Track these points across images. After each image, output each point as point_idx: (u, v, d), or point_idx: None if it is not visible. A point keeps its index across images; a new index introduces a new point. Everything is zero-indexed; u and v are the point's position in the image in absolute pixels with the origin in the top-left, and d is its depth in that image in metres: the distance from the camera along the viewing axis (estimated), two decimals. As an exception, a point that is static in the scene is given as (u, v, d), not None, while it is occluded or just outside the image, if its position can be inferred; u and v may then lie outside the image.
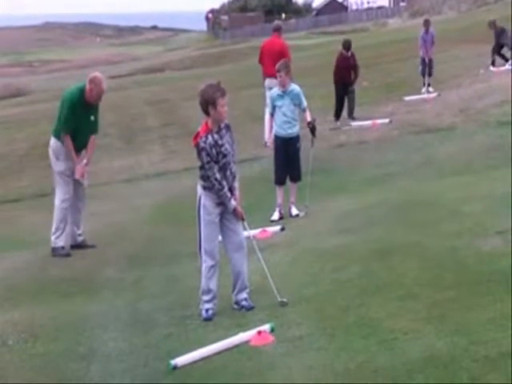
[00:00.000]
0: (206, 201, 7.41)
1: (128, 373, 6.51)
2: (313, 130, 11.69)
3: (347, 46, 19.14)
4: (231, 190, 7.45)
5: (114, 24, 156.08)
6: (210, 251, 7.43)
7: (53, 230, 10.72)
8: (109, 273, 9.88)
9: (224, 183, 7.35)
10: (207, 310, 7.42)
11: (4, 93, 48.05)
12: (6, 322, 8.09)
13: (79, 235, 11.01)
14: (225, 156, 7.38)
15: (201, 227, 7.46)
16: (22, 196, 16.25)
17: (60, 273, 10.00)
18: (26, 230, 12.53)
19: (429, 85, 21.57)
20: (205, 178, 7.39)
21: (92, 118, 10.75)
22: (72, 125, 10.57)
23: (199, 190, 7.48)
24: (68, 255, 10.65)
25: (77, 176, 10.72)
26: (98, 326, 7.74)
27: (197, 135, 7.43)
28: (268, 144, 16.01)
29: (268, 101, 11.94)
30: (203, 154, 7.31)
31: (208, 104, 7.30)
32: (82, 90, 10.60)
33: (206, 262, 7.44)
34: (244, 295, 7.58)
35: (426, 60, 21.86)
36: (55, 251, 10.67)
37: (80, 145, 10.80)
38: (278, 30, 17.07)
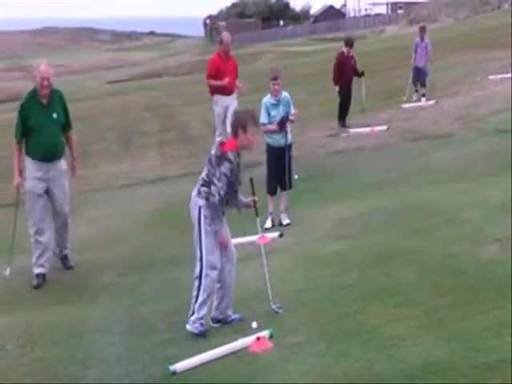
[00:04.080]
0: (207, 212, 7.18)
1: (126, 378, 6.50)
2: (282, 123, 11.08)
3: (350, 42, 19.12)
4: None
5: (112, 29, 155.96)
6: (214, 263, 7.19)
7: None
8: (107, 278, 9.88)
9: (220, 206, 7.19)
10: (202, 324, 7.24)
11: (1, 97, 48.05)
12: (3, 326, 8.09)
13: (63, 252, 10.38)
14: (239, 183, 7.30)
15: (202, 240, 7.21)
16: (19, 200, 16.17)
17: (58, 277, 10.00)
18: (23, 235, 12.51)
19: (423, 95, 21.59)
20: (208, 183, 7.16)
21: (55, 115, 9.85)
22: (21, 130, 9.86)
23: (199, 201, 7.22)
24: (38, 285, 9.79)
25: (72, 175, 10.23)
26: (96, 331, 7.74)
27: (224, 144, 7.23)
28: None
29: (262, 110, 11.23)
30: (227, 164, 7.08)
31: (238, 126, 7.20)
32: (34, 91, 9.81)
33: (209, 276, 7.18)
34: (230, 310, 7.48)
35: (420, 66, 21.87)
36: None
37: (50, 147, 9.89)
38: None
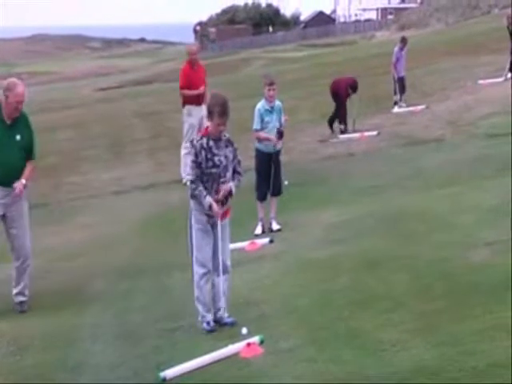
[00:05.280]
0: (195, 210, 7.36)
1: (117, 384, 6.49)
2: (281, 133, 11.23)
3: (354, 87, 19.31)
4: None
5: (102, 36, 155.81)
6: (200, 260, 7.31)
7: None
8: (98, 285, 9.85)
9: (199, 185, 7.22)
10: (208, 323, 7.35)
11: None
12: (-6, 333, 8.07)
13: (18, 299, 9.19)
14: (215, 167, 7.26)
15: (192, 238, 7.39)
16: None
17: (48, 285, 9.96)
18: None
19: (398, 100, 21.65)
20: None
21: (18, 137, 8.87)
22: None
23: (191, 202, 7.42)
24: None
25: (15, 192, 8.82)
26: (87, 338, 7.72)
27: None
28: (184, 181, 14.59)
29: (256, 116, 11.22)
30: (192, 150, 7.30)
31: (208, 111, 7.33)
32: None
33: (197, 273, 7.34)
34: (225, 314, 7.52)
35: (400, 76, 21.90)
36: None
37: (8, 171, 8.82)
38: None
